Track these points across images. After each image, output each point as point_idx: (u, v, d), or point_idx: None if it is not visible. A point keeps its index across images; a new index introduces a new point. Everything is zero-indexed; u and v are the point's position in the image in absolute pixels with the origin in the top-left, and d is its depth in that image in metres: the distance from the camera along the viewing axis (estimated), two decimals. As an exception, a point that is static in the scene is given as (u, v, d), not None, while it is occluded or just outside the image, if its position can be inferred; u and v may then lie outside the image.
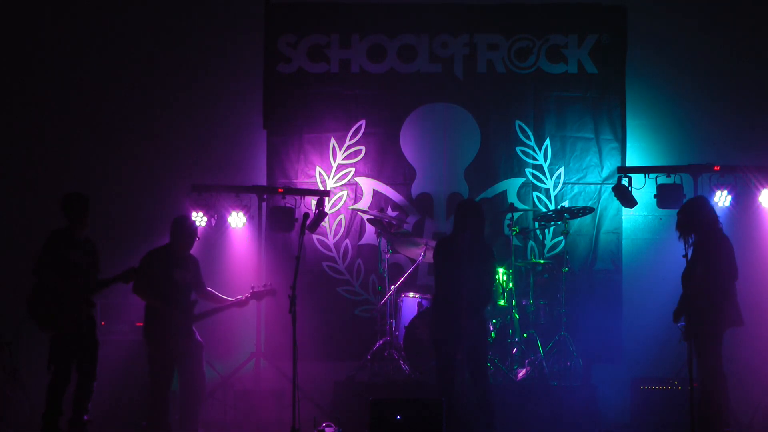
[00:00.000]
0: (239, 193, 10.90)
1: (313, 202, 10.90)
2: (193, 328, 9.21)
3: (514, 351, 10.07)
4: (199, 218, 10.64)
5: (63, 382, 8.68)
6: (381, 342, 10.13)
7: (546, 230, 11.11)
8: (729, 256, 8.54)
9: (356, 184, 11.34)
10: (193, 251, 9.41)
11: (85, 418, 8.75)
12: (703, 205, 8.73)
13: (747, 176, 10.40)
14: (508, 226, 10.50)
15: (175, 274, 9.15)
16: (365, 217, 10.97)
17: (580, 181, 11.24)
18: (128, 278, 8.90)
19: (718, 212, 10.47)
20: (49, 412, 8.63)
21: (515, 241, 10.53)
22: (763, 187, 10.36)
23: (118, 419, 9.88)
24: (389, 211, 11.16)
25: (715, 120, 11.04)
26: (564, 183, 11.25)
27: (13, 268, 10.60)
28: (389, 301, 10.24)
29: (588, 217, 10.99)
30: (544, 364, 9.95)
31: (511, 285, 10.19)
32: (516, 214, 10.64)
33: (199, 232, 10.51)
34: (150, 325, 9.09)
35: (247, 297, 9.42)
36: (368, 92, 11.38)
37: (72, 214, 8.86)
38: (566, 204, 11.15)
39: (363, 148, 11.34)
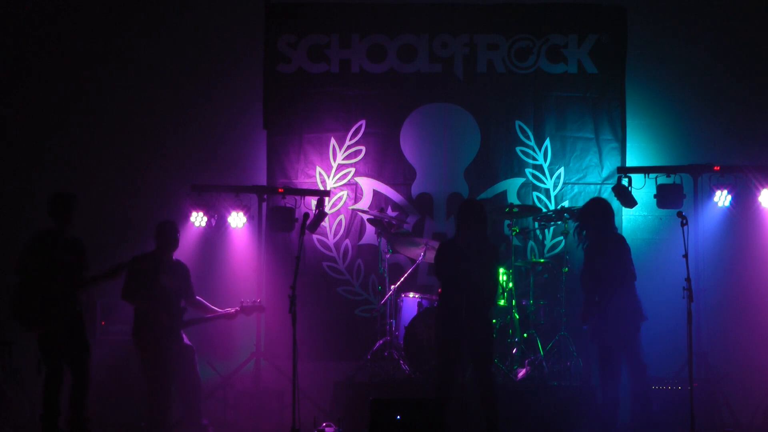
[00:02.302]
0: (239, 193, 10.90)
1: (313, 202, 10.90)
2: (182, 334, 9.25)
3: (514, 351, 10.06)
4: (199, 218, 10.65)
5: (57, 382, 8.66)
6: (381, 342, 10.13)
7: (546, 230, 11.11)
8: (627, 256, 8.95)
9: (356, 184, 11.34)
10: (193, 252, 9.45)
11: (84, 416, 8.74)
12: (594, 208, 9.04)
13: (747, 176, 10.40)
14: (508, 226, 10.49)
15: (162, 279, 9.19)
16: (365, 217, 10.97)
17: (580, 181, 11.24)
18: (116, 274, 8.87)
19: (718, 212, 10.56)
20: (47, 413, 8.62)
21: (515, 241, 10.53)
22: (763, 187, 10.35)
23: (118, 419, 9.87)
24: (389, 211, 11.16)
25: (715, 120, 11.04)
26: (564, 183, 11.25)
27: (11, 269, 10.60)
28: (389, 301, 10.24)
29: (588, 217, 10.98)
30: (544, 364, 9.95)
31: (511, 285, 10.18)
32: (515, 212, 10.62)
33: (199, 232, 10.57)
34: (139, 330, 9.15)
35: (236, 311, 9.54)
36: (368, 92, 11.38)
37: (59, 214, 8.83)
38: (566, 204, 11.15)
39: (363, 148, 11.34)
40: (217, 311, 9.54)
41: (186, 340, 9.31)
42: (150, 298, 9.12)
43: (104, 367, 9.65)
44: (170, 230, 9.40)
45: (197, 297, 9.51)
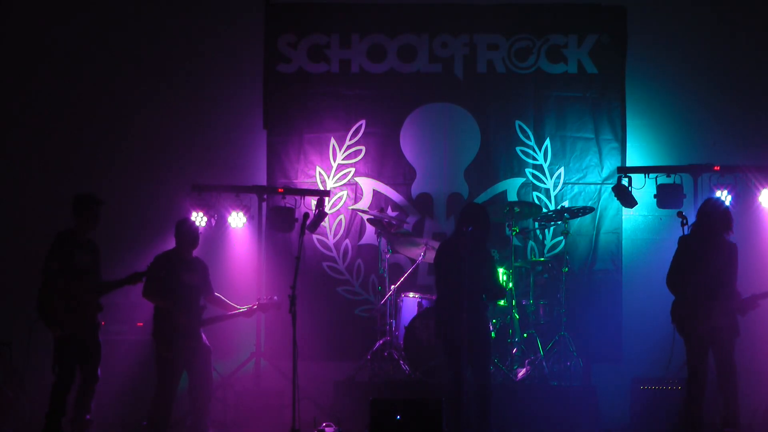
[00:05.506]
0: (239, 193, 10.91)
1: (313, 202, 10.90)
2: (201, 332, 9.23)
3: (514, 351, 10.07)
4: (199, 218, 10.64)
5: (67, 384, 8.68)
6: (381, 342, 10.13)
7: (546, 230, 11.11)
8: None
9: (356, 184, 11.34)
10: (193, 251, 9.42)
11: (87, 417, 8.75)
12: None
13: (747, 176, 10.39)
14: (508, 226, 10.49)
15: (183, 276, 9.17)
16: (365, 217, 10.97)
17: (580, 181, 11.24)
18: (134, 281, 8.93)
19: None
20: (52, 412, 8.62)
21: (515, 241, 10.53)
22: (763, 187, 10.35)
23: (119, 419, 9.87)
24: (389, 211, 11.16)
25: (715, 120, 11.03)
26: (564, 183, 11.25)
27: (12, 269, 10.60)
28: (389, 301, 10.25)
29: (588, 217, 10.99)
30: (544, 364, 9.95)
31: (511, 285, 10.18)
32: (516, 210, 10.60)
33: (199, 231, 10.53)
34: (159, 325, 9.12)
35: (254, 307, 9.47)
36: (368, 92, 11.38)
37: (84, 215, 8.83)
38: (566, 204, 11.15)
39: (363, 148, 11.34)
40: (235, 308, 9.48)
41: (206, 340, 9.29)
42: (171, 296, 9.09)
43: (103, 367, 9.62)
44: (188, 228, 9.39)
45: (215, 293, 9.50)
